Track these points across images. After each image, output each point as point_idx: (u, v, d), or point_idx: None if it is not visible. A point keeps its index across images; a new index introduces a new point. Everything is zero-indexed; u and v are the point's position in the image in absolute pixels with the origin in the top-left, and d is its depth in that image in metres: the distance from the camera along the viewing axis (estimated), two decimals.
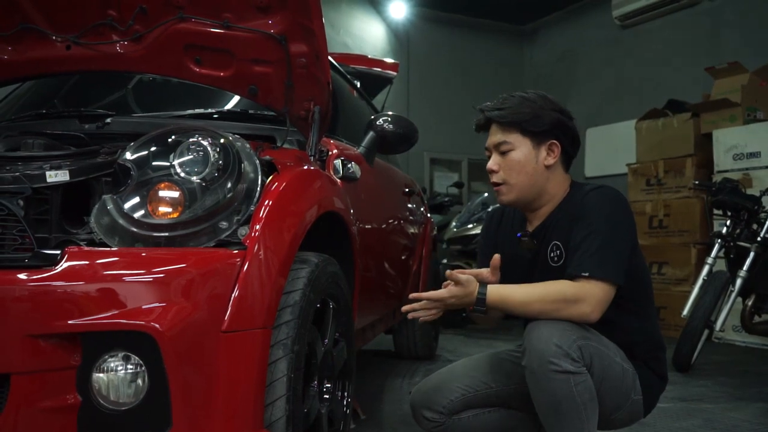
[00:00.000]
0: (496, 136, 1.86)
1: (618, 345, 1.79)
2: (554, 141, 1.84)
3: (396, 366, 3.93)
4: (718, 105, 5.33)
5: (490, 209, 5.99)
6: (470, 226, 5.88)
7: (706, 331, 3.88)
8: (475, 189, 8.66)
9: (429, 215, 4.25)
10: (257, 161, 1.64)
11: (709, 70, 5.58)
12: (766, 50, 5.67)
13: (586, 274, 1.66)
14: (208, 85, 2.18)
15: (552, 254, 1.83)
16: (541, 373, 1.62)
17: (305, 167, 1.86)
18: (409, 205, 3.54)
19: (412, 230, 3.50)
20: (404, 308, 1.75)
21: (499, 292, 1.71)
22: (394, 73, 4.90)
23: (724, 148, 5.23)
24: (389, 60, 5.28)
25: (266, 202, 1.57)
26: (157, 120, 2.19)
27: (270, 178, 1.66)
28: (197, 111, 2.37)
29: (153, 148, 1.58)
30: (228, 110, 2.43)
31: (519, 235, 1.91)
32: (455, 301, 1.72)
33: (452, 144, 8.12)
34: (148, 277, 1.38)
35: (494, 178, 1.87)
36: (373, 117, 2.62)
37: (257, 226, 1.51)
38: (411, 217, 3.51)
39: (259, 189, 1.59)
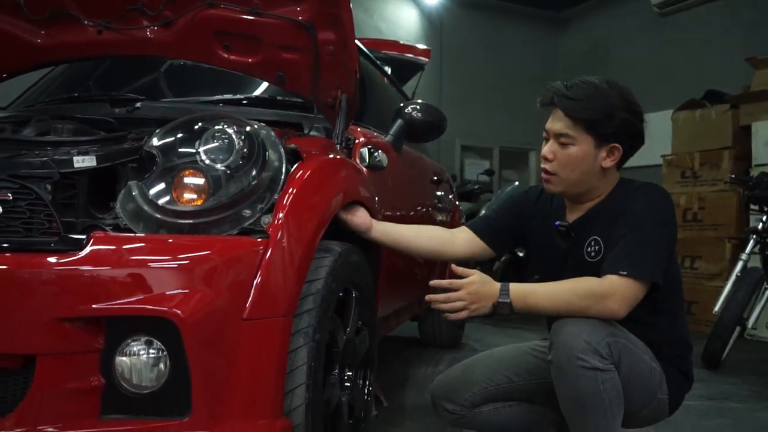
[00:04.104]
0: (558, 124, 1.79)
1: (646, 343, 1.77)
2: (617, 144, 1.78)
3: (421, 354, 3.93)
4: (758, 97, 5.20)
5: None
6: None
7: (737, 329, 3.81)
8: (506, 177, 8.61)
9: (457, 203, 4.23)
10: (282, 149, 1.64)
11: (749, 61, 5.45)
12: None
13: (624, 273, 1.64)
14: (237, 71, 2.19)
15: (590, 249, 1.80)
16: (568, 369, 1.61)
17: (331, 155, 1.86)
18: (438, 193, 3.53)
19: (439, 218, 3.49)
20: (428, 297, 1.75)
21: (524, 290, 1.70)
22: (426, 60, 4.86)
23: (763, 141, 5.12)
24: (421, 46, 5.24)
25: (290, 191, 1.57)
26: (186, 105, 2.21)
27: (295, 166, 1.66)
28: (226, 97, 2.38)
29: (179, 135, 1.59)
30: (256, 96, 2.44)
31: (557, 224, 1.88)
32: (477, 288, 1.69)
33: (484, 131, 8.08)
34: (172, 264, 1.39)
35: (546, 166, 1.83)
36: (401, 105, 2.61)
37: (280, 215, 1.52)
38: (439, 205, 3.50)
39: (283, 177, 1.60)
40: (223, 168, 1.53)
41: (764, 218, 3.99)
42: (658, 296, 1.73)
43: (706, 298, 5.00)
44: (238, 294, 1.41)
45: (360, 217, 1.88)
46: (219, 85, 2.56)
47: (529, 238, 2.01)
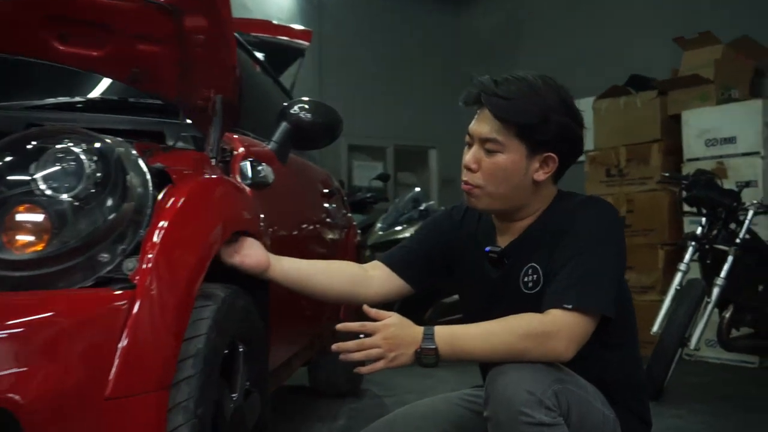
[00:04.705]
0: (485, 127, 1.78)
1: (596, 385, 1.79)
2: (552, 154, 1.79)
3: (314, 406, 3.87)
4: (688, 82, 5.51)
5: (423, 206, 6.04)
6: (399, 228, 5.87)
7: (679, 350, 3.98)
8: (402, 181, 8.68)
9: (351, 217, 4.21)
10: (146, 171, 1.56)
11: (678, 41, 5.75)
12: (742, 19, 5.86)
13: (569, 307, 1.65)
14: (77, 68, 2.08)
15: (526, 278, 1.81)
16: (509, 426, 1.60)
17: (207, 175, 1.79)
18: (329, 209, 3.49)
19: (332, 238, 3.45)
20: (335, 346, 1.69)
21: (453, 332, 1.67)
22: (306, 44, 4.82)
23: (695, 133, 5.41)
24: (299, 27, 5.20)
25: (160, 225, 1.50)
26: (6, 113, 2.08)
27: (163, 192, 1.59)
28: (59, 100, 2.27)
29: (6, 158, 1.48)
30: (101, 98, 2.33)
31: (487, 249, 1.88)
32: (395, 332, 1.64)
33: (375, 128, 8.12)
34: (2, 333, 1.28)
35: (469, 178, 1.81)
36: (286, 104, 2.56)
37: (149, 257, 1.45)
38: (332, 224, 3.47)
39: (149, 208, 1.52)
40: (70, 199, 1.45)
41: (703, 222, 4.20)
42: (608, 329, 1.76)
43: (639, 315, 5.16)
44: (97, 366, 1.33)
45: (253, 257, 1.82)
46: (50, 85, 2.44)
47: (454, 268, 2.00)
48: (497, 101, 1.76)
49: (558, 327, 1.65)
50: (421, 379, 4.48)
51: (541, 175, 1.80)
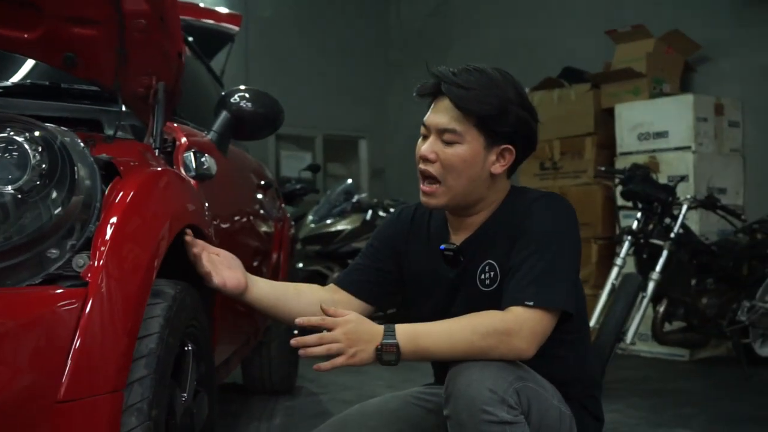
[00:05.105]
0: (443, 117, 1.79)
1: (552, 383, 1.82)
2: (509, 146, 1.81)
3: (248, 404, 3.84)
4: (621, 75, 5.63)
5: (355, 198, 6.03)
6: (330, 221, 5.86)
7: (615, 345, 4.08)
8: (331, 172, 8.66)
9: (285, 209, 4.19)
10: (93, 162, 1.52)
11: (610, 34, 5.87)
12: (673, 13, 6.02)
13: (530, 303, 1.67)
14: (5, 50, 2.02)
15: (483, 276, 1.83)
16: (470, 425, 1.62)
17: (153, 167, 1.75)
18: (265, 201, 3.46)
19: (269, 231, 3.43)
20: (294, 341, 1.67)
21: (414, 329, 1.68)
22: (236, 29, 4.76)
23: (628, 126, 5.54)
24: (224, 10, 5.13)
25: (111, 220, 1.46)
26: None
27: (110, 185, 1.55)
28: None
29: None
30: (30, 83, 2.26)
31: (442, 248, 1.89)
32: (354, 327, 1.65)
33: (303, 117, 8.04)
34: None
35: (427, 168, 1.81)
36: (225, 93, 2.53)
37: (101, 253, 1.40)
38: (268, 216, 3.44)
39: (99, 201, 1.48)
40: (13, 192, 1.40)
41: (639, 216, 4.31)
42: (565, 325, 1.79)
43: None
44: (48, 368, 1.30)
45: (233, 279, 1.80)
46: None
47: (405, 274, 2.00)
48: (458, 91, 1.77)
49: (520, 324, 1.67)
50: (354, 375, 4.49)
51: (498, 168, 1.82)
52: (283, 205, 4.16)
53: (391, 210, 5.82)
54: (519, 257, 1.76)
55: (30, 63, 2.36)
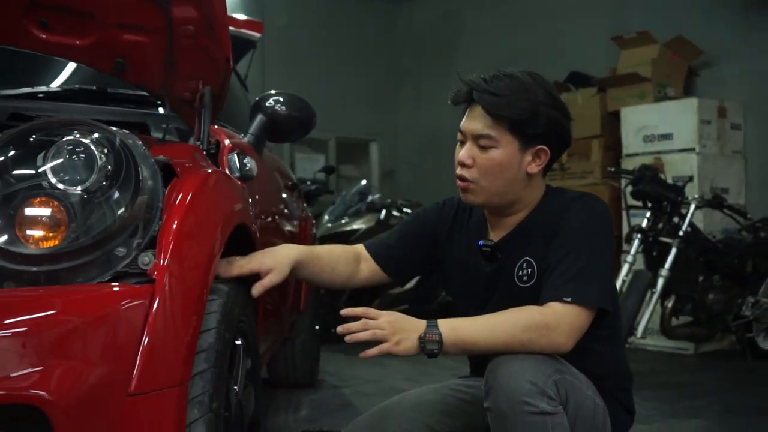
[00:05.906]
0: (477, 123, 1.80)
1: (587, 376, 1.82)
2: (544, 147, 1.82)
3: (273, 397, 3.84)
4: (626, 80, 5.63)
5: (370, 199, 6.03)
6: (346, 220, 5.87)
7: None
8: (344, 174, 8.65)
9: (307, 208, 4.20)
10: (154, 164, 1.52)
11: (616, 40, 5.87)
12: (677, 20, 6.01)
13: (569, 300, 1.67)
14: (59, 57, 2.01)
15: (521, 272, 1.83)
16: (512, 416, 1.61)
17: (206, 169, 1.75)
18: (293, 201, 3.47)
19: (295, 230, 3.43)
20: (341, 328, 1.67)
21: (455, 322, 1.69)
22: (258, 35, 4.76)
23: (634, 129, 5.54)
24: (243, 17, 5.13)
25: (174, 219, 1.46)
26: None
27: (170, 186, 1.55)
28: (34, 90, 2.20)
29: (13, 151, 1.43)
30: (79, 88, 2.26)
31: (481, 243, 1.89)
32: (397, 318, 1.67)
33: (317, 121, 8.07)
34: (24, 329, 1.24)
35: (464, 173, 1.82)
36: (259, 98, 2.54)
37: (166, 251, 1.40)
38: (298, 216, 3.44)
39: (161, 201, 1.48)
40: (81, 191, 1.40)
41: (648, 215, 4.31)
42: (601, 321, 1.79)
43: None
44: (120, 362, 1.30)
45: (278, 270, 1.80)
46: (20, 73, 2.35)
47: (445, 263, 2.00)
48: (489, 98, 1.78)
49: (558, 319, 1.68)
50: (375, 368, 4.49)
51: (534, 168, 1.83)
52: (305, 204, 4.16)
53: (405, 210, 5.83)
54: (556, 255, 1.76)
55: (73, 67, 2.35)
